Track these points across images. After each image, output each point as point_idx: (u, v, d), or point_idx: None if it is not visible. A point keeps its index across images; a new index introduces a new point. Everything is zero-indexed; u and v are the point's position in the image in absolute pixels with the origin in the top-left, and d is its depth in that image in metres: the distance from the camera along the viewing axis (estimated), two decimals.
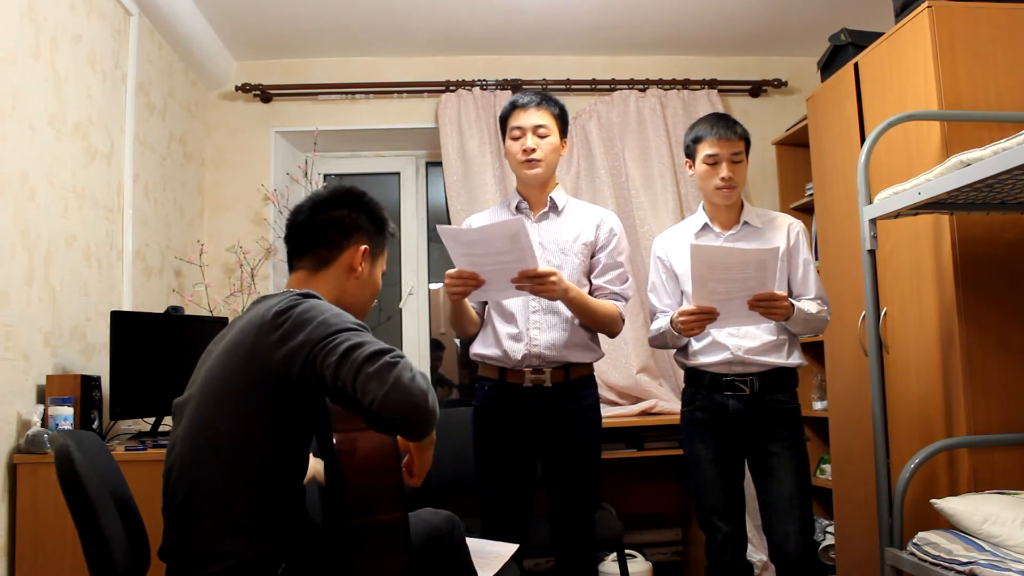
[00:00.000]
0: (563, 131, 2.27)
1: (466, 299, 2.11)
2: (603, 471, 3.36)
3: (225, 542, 1.35)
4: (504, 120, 2.27)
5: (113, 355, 2.39)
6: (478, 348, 2.26)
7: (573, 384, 2.20)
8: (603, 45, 3.72)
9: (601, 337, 2.29)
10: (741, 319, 2.08)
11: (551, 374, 2.17)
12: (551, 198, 2.28)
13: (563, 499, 2.20)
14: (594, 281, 2.25)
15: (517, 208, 2.29)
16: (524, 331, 2.17)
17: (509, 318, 2.20)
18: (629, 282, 2.29)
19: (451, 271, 2.01)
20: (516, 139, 2.22)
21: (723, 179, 2.20)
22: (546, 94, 2.27)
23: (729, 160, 2.20)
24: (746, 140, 2.25)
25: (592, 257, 2.25)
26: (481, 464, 2.25)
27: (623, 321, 2.26)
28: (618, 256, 2.26)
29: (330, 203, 1.64)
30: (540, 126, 2.20)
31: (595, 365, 2.26)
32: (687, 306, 2.09)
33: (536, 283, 1.97)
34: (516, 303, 2.19)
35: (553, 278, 1.98)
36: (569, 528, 2.20)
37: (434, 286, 3.96)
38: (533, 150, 2.19)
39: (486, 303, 2.27)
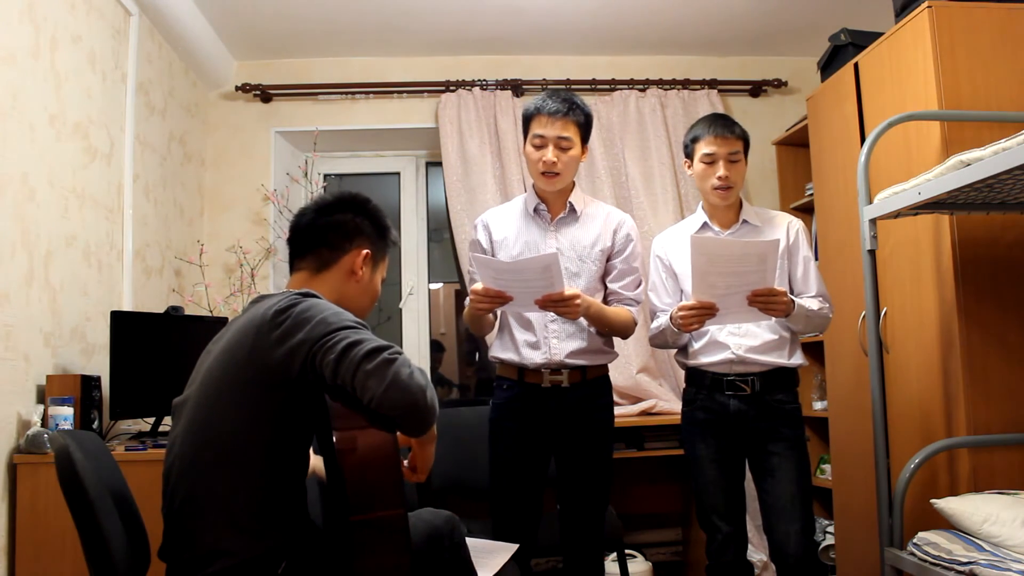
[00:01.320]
0: (585, 138, 2.23)
1: None
2: None
3: (225, 541, 1.35)
4: (528, 120, 2.22)
5: (113, 355, 2.39)
6: (496, 352, 2.28)
7: (590, 384, 2.22)
8: (603, 45, 3.72)
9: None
10: (741, 315, 2.08)
11: (568, 375, 2.18)
12: (570, 203, 2.26)
13: (576, 497, 2.21)
14: (609, 285, 2.26)
15: (535, 211, 2.27)
16: (542, 339, 2.19)
17: (526, 325, 2.22)
18: (642, 286, 2.30)
19: (478, 288, 2.02)
20: (537, 147, 2.18)
21: (719, 178, 2.20)
22: (574, 101, 2.19)
23: (726, 159, 2.20)
24: (744, 140, 2.25)
25: (608, 261, 2.26)
26: (496, 461, 2.25)
27: (636, 324, 2.27)
28: (633, 262, 2.27)
29: (335, 207, 1.65)
30: (563, 138, 2.16)
31: None
32: (686, 302, 2.10)
33: (560, 306, 1.99)
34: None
35: (577, 300, 2.00)
36: (580, 526, 2.21)
37: (434, 286, 3.96)
38: (554, 163, 2.16)
39: None
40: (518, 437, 2.21)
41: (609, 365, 2.27)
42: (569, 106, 2.17)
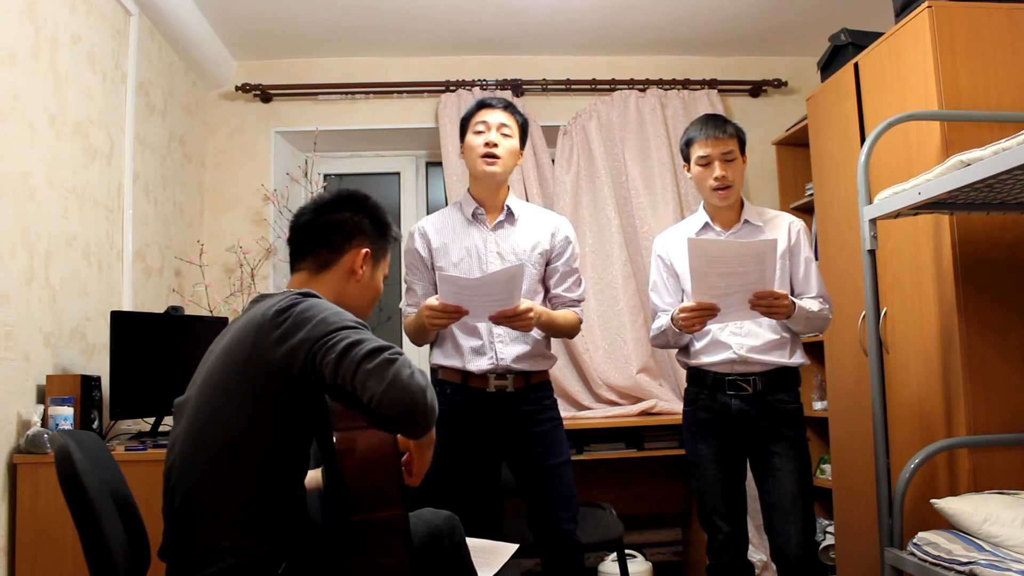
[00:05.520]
0: (523, 140, 2.30)
1: None
2: (603, 471, 3.40)
3: (225, 541, 1.35)
4: (467, 119, 2.28)
5: (113, 355, 2.39)
6: (438, 359, 2.26)
7: (533, 388, 2.23)
8: (603, 45, 3.72)
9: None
10: (742, 314, 2.08)
11: (513, 380, 2.19)
12: (507, 206, 2.28)
13: (541, 502, 2.19)
14: (552, 289, 2.29)
15: (473, 215, 2.28)
16: (488, 344, 2.19)
17: (471, 331, 2.21)
18: (583, 285, 2.34)
19: (434, 303, 2.01)
20: (479, 133, 2.23)
21: (716, 178, 2.20)
22: (512, 104, 2.30)
23: (720, 159, 2.20)
24: (739, 138, 2.24)
25: (548, 265, 2.28)
26: (450, 470, 2.24)
27: (581, 324, 2.32)
28: (574, 263, 2.31)
29: (333, 206, 1.64)
30: (504, 125, 2.23)
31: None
32: (687, 303, 2.10)
33: (515, 320, 2.02)
34: None
35: (531, 313, 2.03)
36: (550, 530, 2.18)
37: None
38: (495, 144, 2.20)
39: None
40: (468, 444, 2.21)
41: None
42: (508, 104, 2.27)
